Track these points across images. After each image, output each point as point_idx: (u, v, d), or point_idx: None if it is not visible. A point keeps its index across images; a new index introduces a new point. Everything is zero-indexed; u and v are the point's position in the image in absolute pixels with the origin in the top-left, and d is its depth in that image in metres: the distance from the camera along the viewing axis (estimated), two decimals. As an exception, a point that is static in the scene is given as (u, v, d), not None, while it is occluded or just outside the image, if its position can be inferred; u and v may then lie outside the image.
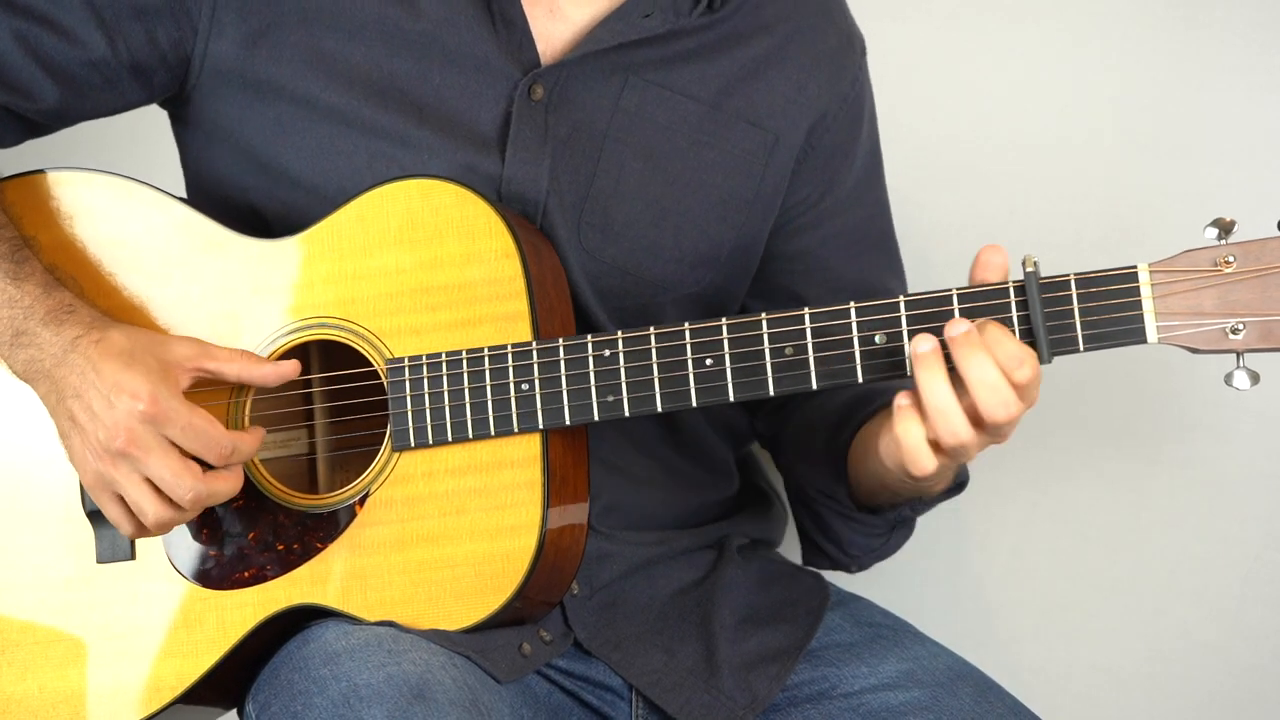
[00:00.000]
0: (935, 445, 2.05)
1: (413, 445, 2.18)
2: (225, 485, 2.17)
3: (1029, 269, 2.04)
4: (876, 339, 2.08)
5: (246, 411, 2.24)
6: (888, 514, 2.37)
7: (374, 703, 1.97)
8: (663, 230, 2.33)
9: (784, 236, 2.43)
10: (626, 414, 2.14)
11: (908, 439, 2.05)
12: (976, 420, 2.03)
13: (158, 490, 2.15)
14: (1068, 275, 2.04)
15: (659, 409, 2.14)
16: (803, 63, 2.40)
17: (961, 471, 2.34)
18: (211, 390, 2.22)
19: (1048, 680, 2.85)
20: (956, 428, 2.02)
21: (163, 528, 2.18)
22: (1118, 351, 2.06)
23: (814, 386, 2.09)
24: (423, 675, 2.01)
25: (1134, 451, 2.84)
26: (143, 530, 2.18)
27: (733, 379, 2.12)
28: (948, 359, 2.02)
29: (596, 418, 2.14)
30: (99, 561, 2.26)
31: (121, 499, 2.17)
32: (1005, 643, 2.87)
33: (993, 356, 2.00)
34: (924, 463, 2.05)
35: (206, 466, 2.16)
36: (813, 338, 2.10)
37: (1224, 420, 2.80)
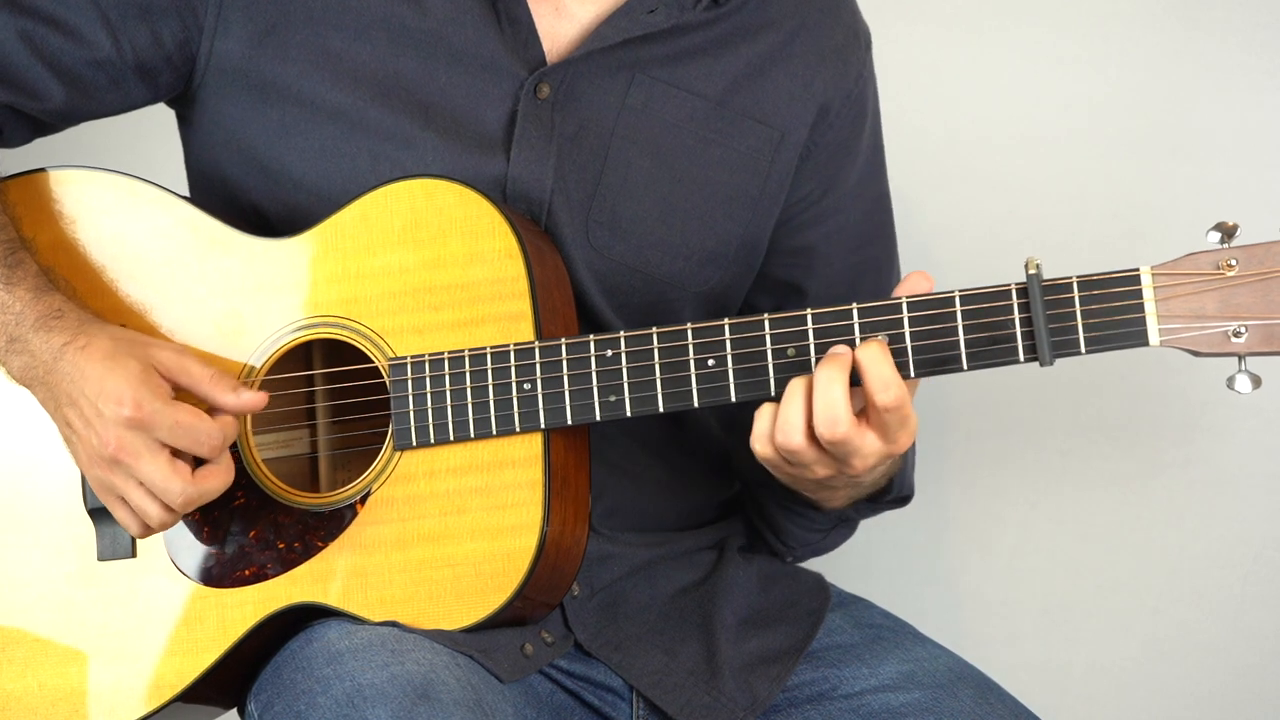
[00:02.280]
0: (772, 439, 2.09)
1: (414, 444, 2.18)
2: (215, 482, 2.17)
3: (1031, 271, 2.03)
4: (879, 339, 2.08)
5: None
6: (830, 511, 2.38)
7: (379, 703, 1.97)
8: (670, 227, 2.33)
9: (787, 232, 2.43)
10: (628, 414, 2.14)
11: (758, 417, 2.09)
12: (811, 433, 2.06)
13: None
14: (1070, 278, 2.04)
15: (661, 409, 2.14)
16: (808, 59, 2.39)
17: (905, 485, 2.38)
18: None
19: (1048, 680, 2.86)
20: (789, 421, 2.06)
21: (166, 526, 2.19)
22: (1119, 353, 2.06)
23: (817, 387, 2.10)
24: (427, 675, 2.01)
25: (1134, 452, 2.85)
26: (149, 530, 2.19)
27: (735, 380, 2.12)
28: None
29: (598, 417, 2.14)
30: (100, 559, 2.26)
31: (125, 501, 2.17)
32: (1005, 643, 2.88)
33: (844, 376, 2.04)
34: (758, 441, 2.09)
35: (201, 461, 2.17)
36: (815, 339, 2.10)
37: (1224, 420, 2.80)
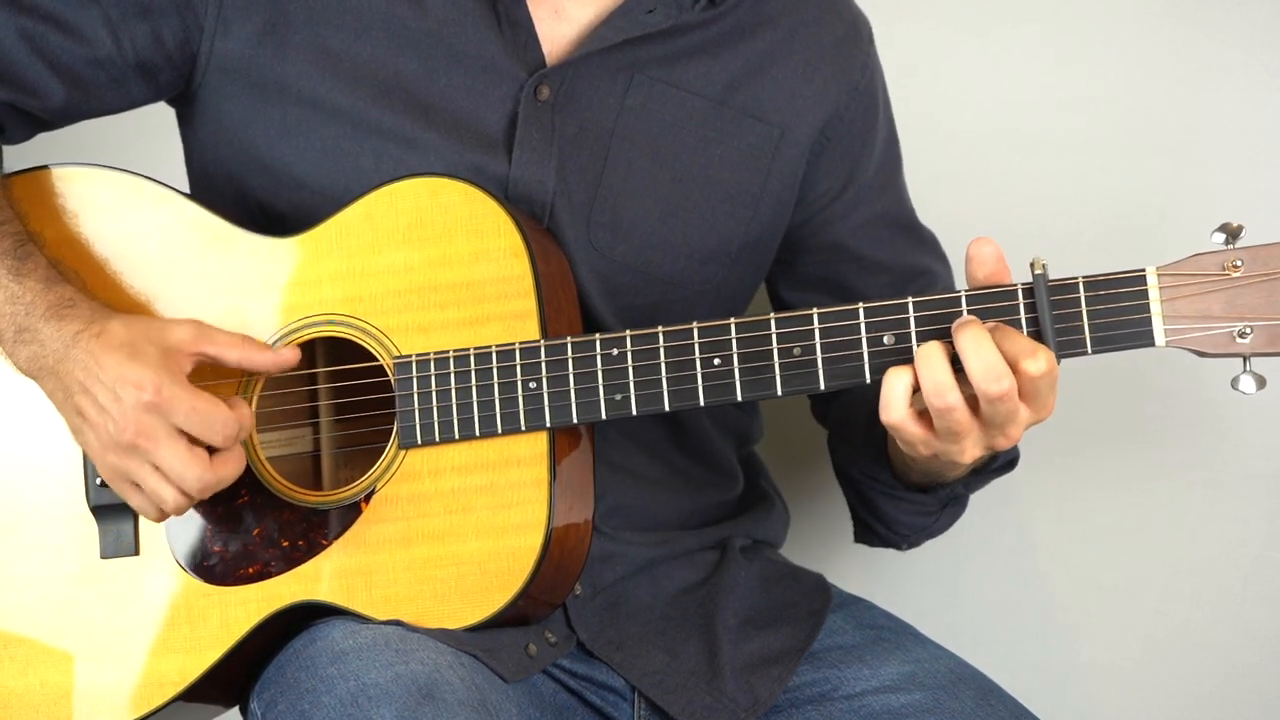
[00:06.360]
0: (923, 415, 2.04)
1: (419, 443, 2.18)
2: (231, 469, 2.18)
3: (1038, 271, 2.04)
4: (885, 339, 2.08)
5: (253, 407, 2.23)
6: (939, 492, 2.35)
7: (383, 702, 1.97)
8: (671, 227, 2.33)
9: (812, 229, 2.44)
10: (634, 413, 2.14)
11: (888, 383, 2.04)
12: (974, 407, 2.02)
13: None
14: (1076, 278, 2.04)
15: (666, 408, 2.14)
16: (808, 56, 2.40)
17: (1011, 449, 2.31)
18: (219, 383, 2.22)
19: (1048, 680, 2.85)
20: (942, 384, 2.00)
21: (181, 512, 2.19)
22: (1121, 353, 2.06)
23: (822, 387, 2.09)
24: (431, 675, 2.01)
25: (1134, 451, 2.85)
26: (163, 515, 2.19)
27: (740, 379, 2.12)
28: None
29: (604, 416, 2.15)
30: (103, 557, 2.26)
31: (140, 487, 2.17)
32: (1005, 643, 2.88)
33: (994, 342, 2.00)
34: (893, 411, 2.04)
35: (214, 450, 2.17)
36: (821, 338, 2.10)
37: (1224, 420, 2.80)
